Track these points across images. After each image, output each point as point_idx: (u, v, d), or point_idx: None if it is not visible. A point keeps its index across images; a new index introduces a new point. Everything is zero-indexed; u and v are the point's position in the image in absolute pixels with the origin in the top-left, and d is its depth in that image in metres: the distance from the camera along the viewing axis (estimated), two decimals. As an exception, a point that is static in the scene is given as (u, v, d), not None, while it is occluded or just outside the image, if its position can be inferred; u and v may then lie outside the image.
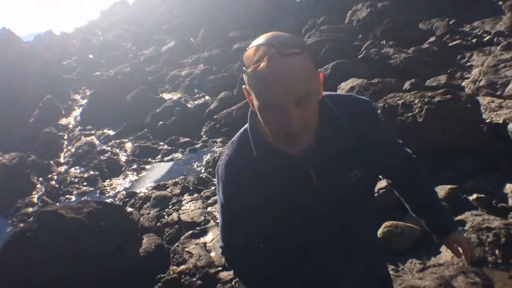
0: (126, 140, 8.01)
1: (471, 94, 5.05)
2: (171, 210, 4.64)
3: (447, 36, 7.65)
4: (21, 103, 11.24)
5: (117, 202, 5.34)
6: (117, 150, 7.52)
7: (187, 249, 3.71)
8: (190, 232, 4.02)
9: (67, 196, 6.03)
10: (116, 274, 3.61)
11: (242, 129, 1.22)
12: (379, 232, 3.10)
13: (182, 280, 3.37)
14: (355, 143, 1.13)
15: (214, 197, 4.73)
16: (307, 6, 12.66)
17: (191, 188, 5.14)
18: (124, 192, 5.71)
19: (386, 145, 1.25)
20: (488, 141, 4.07)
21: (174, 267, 3.57)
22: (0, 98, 11.95)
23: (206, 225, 4.13)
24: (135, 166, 6.59)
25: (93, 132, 9.10)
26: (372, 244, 1.37)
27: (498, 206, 3.26)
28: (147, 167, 6.55)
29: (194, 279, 3.34)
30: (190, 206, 4.65)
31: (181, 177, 5.68)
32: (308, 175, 1.12)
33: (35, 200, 6.05)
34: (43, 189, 6.36)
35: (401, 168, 1.39)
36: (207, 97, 9.38)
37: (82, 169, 6.87)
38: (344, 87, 5.90)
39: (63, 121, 10.55)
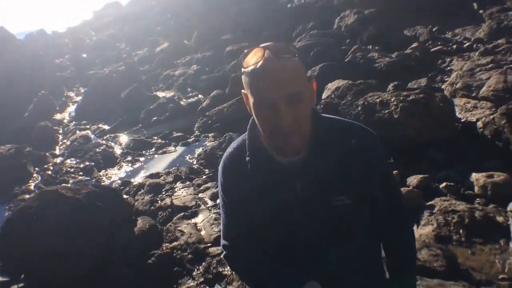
0: (120, 134, 8.22)
1: (448, 95, 5.41)
2: (164, 196, 4.84)
3: (430, 42, 7.95)
4: (13, 101, 11.18)
5: (113, 188, 5.51)
6: (112, 144, 7.71)
7: (179, 228, 3.95)
8: (182, 214, 4.25)
9: (64, 184, 6.17)
10: (112, 249, 3.82)
11: (245, 134, 1.33)
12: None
13: (174, 255, 3.62)
14: (347, 169, 1.20)
15: (206, 185, 4.97)
16: (297, 11, 13.01)
17: (183, 177, 5.37)
18: (119, 181, 5.91)
19: (380, 177, 1.28)
20: (461, 137, 4.38)
21: (167, 244, 3.82)
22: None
23: (197, 209, 4.36)
24: (129, 158, 6.80)
25: (88, 126, 9.23)
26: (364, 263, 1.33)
27: (465, 193, 3.55)
28: (141, 159, 6.77)
29: (185, 253, 3.59)
30: (182, 192, 4.86)
31: (174, 168, 5.92)
32: (294, 187, 1.20)
33: (31, 187, 6.19)
34: (39, 178, 6.49)
35: (388, 207, 1.33)
36: (200, 96, 9.61)
37: (77, 160, 7.02)
38: (330, 87, 6.21)
39: (58, 116, 10.61)
